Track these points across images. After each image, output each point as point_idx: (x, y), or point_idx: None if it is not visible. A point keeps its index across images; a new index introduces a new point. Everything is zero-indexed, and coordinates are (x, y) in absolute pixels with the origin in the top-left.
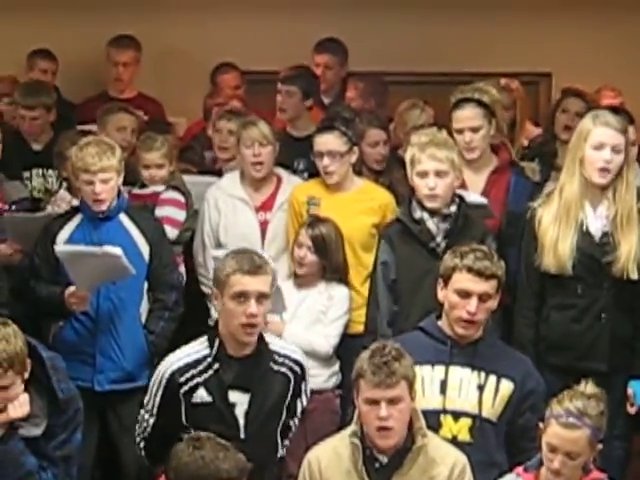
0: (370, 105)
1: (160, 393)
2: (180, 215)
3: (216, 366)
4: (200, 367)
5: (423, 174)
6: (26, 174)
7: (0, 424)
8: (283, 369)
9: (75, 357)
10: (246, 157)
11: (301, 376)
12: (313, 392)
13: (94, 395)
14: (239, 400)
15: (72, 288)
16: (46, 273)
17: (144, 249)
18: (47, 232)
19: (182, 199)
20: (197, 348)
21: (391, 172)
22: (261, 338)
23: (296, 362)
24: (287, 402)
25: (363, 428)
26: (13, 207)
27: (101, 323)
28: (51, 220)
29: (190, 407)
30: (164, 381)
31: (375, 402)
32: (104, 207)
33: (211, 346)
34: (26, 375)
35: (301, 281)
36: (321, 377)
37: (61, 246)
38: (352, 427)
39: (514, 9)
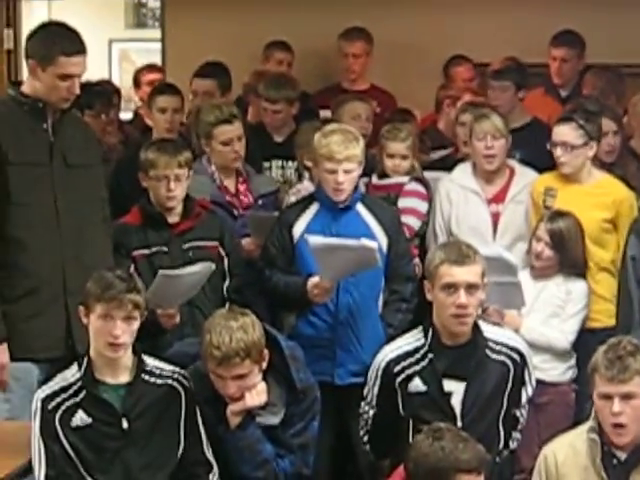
0: (611, 101)
1: (377, 384)
2: (423, 207)
3: (430, 355)
4: (416, 356)
5: None
6: (266, 164)
7: (237, 412)
8: (501, 357)
9: (314, 351)
10: (478, 150)
11: (522, 365)
12: (548, 385)
13: (333, 389)
14: (455, 389)
15: (316, 278)
16: (282, 263)
17: (382, 240)
18: (283, 221)
19: (424, 191)
20: (412, 339)
21: (625, 165)
22: (476, 326)
23: (515, 350)
24: (507, 391)
25: (599, 419)
26: (260, 202)
27: (341, 316)
28: (287, 209)
29: (406, 397)
30: (380, 371)
31: (608, 397)
32: (343, 197)
33: (425, 336)
34: (264, 365)
35: (538, 273)
36: (557, 370)
37: (315, 238)
38: (590, 422)
39: None
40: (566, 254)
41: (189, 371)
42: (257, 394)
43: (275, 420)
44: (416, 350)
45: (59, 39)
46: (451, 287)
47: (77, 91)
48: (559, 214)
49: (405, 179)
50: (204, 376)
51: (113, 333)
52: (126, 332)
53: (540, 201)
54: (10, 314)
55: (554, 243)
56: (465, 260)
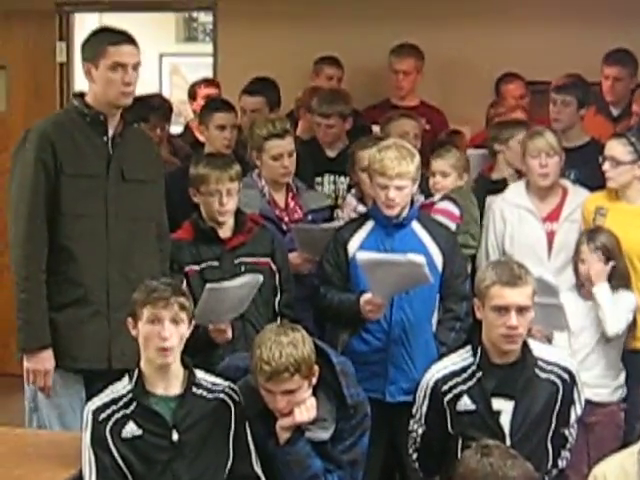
0: None
1: (426, 402)
2: (450, 227)
3: (479, 374)
4: (464, 375)
5: None
6: (318, 179)
7: (287, 427)
8: (551, 376)
9: (366, 368)
10: (532, 168)
11: (571, 384)
12: (597, 405)
13: (384, 406)
14: (504, 408)
15: (368, 295)
16: (337, 280)
17: (437, 258)
18: (338, 239)
19: (456, 211)
20: (461, 357)
21: None
22: (525, 345)
23: (565, 369)
24: (556, 411)
25: None
26: (309, 217)
27: (394, 334)
28: (342, 226)
29: (455, 415)
30: (429, 390)
31: None
32: (395, 212)
33: (474, 354)
34: (314, 380)
35: (586, 292)
36: (606, 389)
37: (363, 254)
38: None
39: None
40: (616, 264)
41: (239, 385)
42: (306, 410)
43: (325, 435)
44: (464, 369)
45: (107, 34)
46: (502, 309)
47: (133, 82)
48: (595, 231)
49: (437, 197)
50: (254, 390)
51: (162, 335)
52: (174, 335)
53: (591, 220)
54: (56, 322)
55: (605, 257)
56: (517, 282)
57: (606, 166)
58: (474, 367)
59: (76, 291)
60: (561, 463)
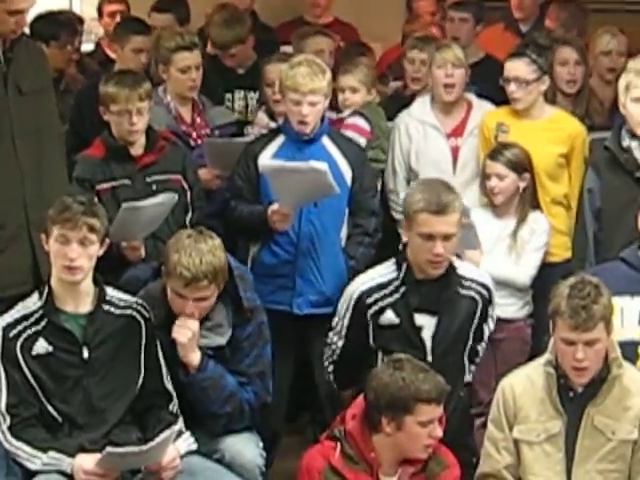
0: (571, 35)
1: (349, 315)
2: (361, 142)
3: (403, 289)
4: (388, 289)
5: (639, 100)
6: (228, 96)
7: (191, 351)
8: (471, 293)
9: (274, 281)
10: (438, 78)
11: (488, 300)
12: (505, 321)
13: (292, 318)
14: (426, 323)
15: (275, 205)
16: (248, 194)
17: (346, 173)
18: (249, 152)
19: (366, 127)
20: (385, 271)
21: (588, 101)
22: (448, 263)
23: (483, 286)
24: (474, 326)
25: (557, 357)
26: (217, 132)
27: (302, 246)
28: (252, 140)
29: (377, 329)
30: (352, 302)
31: (572, 343)
32: (308, 130)
33: (399, 269)
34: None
35: (498, 210)
36: (514, 306)
37: (266, 161)
38: (547, 356)
39: None
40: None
41: (140, 295)
42: (184, 331)
43: (222, 340)
44: (389, 282)
45: None
46: (428, 236)
47: (26, 24)
48: (503, 146)
49: (346, 113)
50: (156, 299)
51: (69, 256)
52: (82, 255)
53: (491, 137)
54: None
55: (515, 170)
56: (445, 210)
57: (512, 87)
58: (398, 282)
59: None
60: (468, 377)
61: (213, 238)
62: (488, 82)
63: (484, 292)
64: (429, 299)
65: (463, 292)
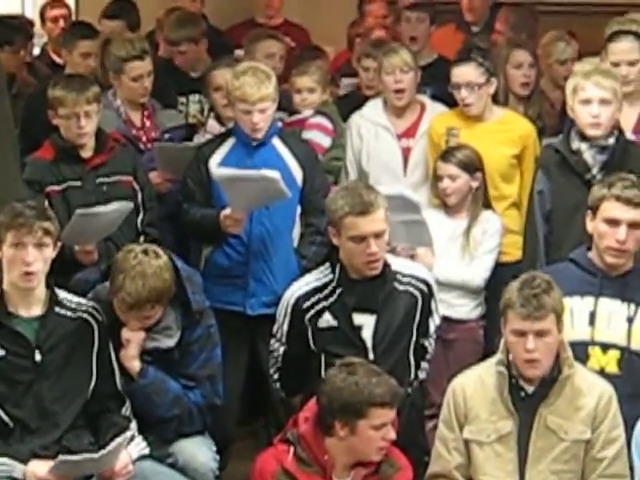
0: (521, 38)
1: (287, 320)
2: (325, 141)
3: (339, 290)
4: (325, 292)
5: (586, 102)
6: (182, 99)
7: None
8: (409, 288)
9: (227, 281)
10: (388, 84)
11: (429, 294)
12: (457, 322)
13: (245, 319)
14: (365, 322)
15: (228, 210)
16: (199, 197)
17: (297, 174)
18: (200, 156)
19: (329, 125)
20: (320, 275)
21: (540, 103)
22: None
23: (422, 280)
24: (416, 322)
25: (509, 357)
26: (166, 135)
27: (254, 247)
28: (203, 144)
29: (317, 332)
30: (290, 308)
31: (523, 334)
32: (260, 135)
33: (333, 271)
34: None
35: (450, 210)
36: (466, 307)
37: (219, 170)
38: (498, 356)
39: None
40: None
41: (89, 297)
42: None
43: (171, 343)
44: (325, 286)
45: None
46: (359, 238)
47: None
48: (454, 149)
49: (309, 113)
50: (103, 302)
51: (26, 260)
52: (38, 259)
53: (441, 142)
54: None
55: (467, 170)
56: (369, 209)
57: (464, 93)
58: (334, 284)
59: None
60: (421, 374)
61: (159, 257)
62: (443, 83)
63: (423, 287)
64: (366, 298)
65: (401, 288)
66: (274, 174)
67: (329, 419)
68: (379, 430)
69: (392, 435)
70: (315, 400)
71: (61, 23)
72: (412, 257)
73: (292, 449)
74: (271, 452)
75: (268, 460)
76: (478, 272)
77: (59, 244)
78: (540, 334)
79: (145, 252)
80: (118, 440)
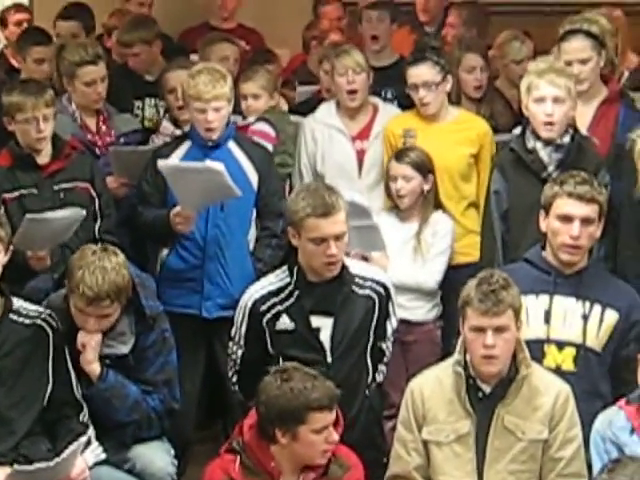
0: (472, 34)
1: (245, 323)
2: (267, 147)
3: (297, 293)
4: (282, 295)
5: (540, 100)
6: (138, 103)
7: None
8: (366, 291)
9: (183, 285)
10: (340, 86)
11: (386, 297)
12: (414, 324)
13: (202, 322)
14: (323, 325)
15: (177, 208)
16: (155, 200)
17: (252, 177)
18: (155, 159)
19: (272, 133)
20: (277, 278)
21: (492, 103)
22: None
23: (379, 284)
24: (374, 324)
25: (467, 358)
26: (122, 140)
27: (209, 250)
28: (159, 147)
29: (275, 335)
30: (247, 311)
31: (481, 330)
32: (215, 136)
33: (291, 275)
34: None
35: (402, 214)
36: (422, 309)
37: (164, 161)
38: (456, 356)
39: None
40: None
41: (43, 305)
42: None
43: (125, 349)
44: (282, 289)
45: None
46: (320, 240)
47: None
48: (406, 150)
49: (252, 119)
50: (57, 310)
51: None
52: None
53: (398, 143)
54: None
55: (420, 172)
56: (331, 211)
57: (422, 93)
58: (292, 286)
59: None
60: (379, 377)
61: (117, 255)
62: (403, 84)
63: (380, 290)
64: (324, 300)
65: (359, 291)
66: (218, 166)
67: (269, 428)
68: (320, 433)
69: (335, 437)
70: (255, 410)
71: (24, 27)
72: (366, 260)
73: (238, 458)
74: (218, 463)
75: (215, 471)
76: (431, 275)
77: (11, 249)
78: (499, 330)
79: (104, 249)
80: (72, 447)
